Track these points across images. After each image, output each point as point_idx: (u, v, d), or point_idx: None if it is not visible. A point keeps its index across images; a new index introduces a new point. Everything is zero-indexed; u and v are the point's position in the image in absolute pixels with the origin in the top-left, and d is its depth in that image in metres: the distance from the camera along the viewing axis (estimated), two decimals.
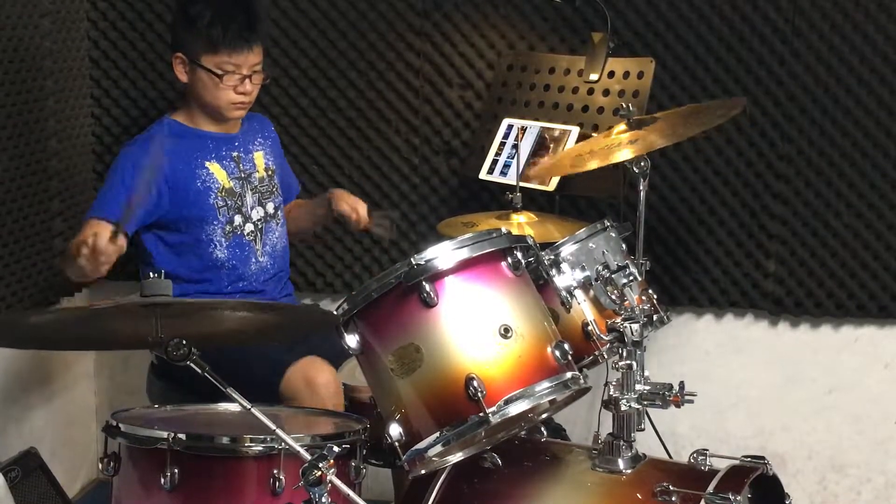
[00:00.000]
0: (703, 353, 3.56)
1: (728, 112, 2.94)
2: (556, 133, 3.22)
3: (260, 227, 3.10)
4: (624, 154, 2.83)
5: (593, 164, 2.86)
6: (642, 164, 2.88)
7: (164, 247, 3.01)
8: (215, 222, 3.01)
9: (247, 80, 2.98)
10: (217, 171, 3.03)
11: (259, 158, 3.14)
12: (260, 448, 2.21)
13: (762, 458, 2.32)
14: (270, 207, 3.13)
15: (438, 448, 2.20)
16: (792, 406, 3.54)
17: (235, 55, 2.94)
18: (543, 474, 2.40)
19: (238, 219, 3.05)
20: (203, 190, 3.00)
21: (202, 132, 3.05)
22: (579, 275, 2.59)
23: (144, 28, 3.59)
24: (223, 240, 3.02)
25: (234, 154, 3.08)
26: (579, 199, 3.43)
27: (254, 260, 3.08)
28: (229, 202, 3.03)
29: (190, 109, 3.06)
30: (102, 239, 2.58)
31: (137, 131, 3.62)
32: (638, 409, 2.36)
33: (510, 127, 3.29)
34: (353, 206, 3.09)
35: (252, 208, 3.08)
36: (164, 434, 2.21)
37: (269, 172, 3.16)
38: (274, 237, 3.14)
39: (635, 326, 2.38)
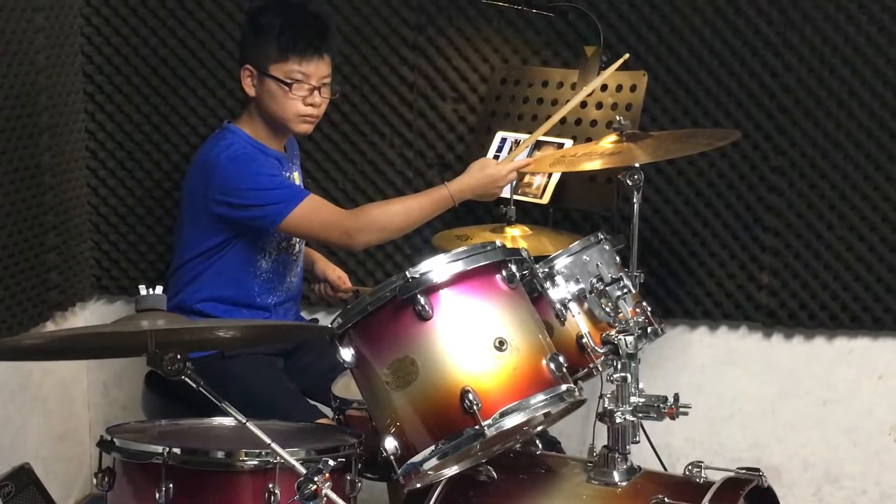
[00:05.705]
0: (697, 365, 3.57)
1: (717, 142, 2.99)
2: (550, 146, 3.23)
3: (301, 247, 3.07)
4: (595, 165, 2.88)
5: (586, 167, 2.92)
6: (636, 176, 2.89)
7: (214, 239, 2.93)
8: (276, 234, 2.95)
9: (315, 92, 2.90)
10: None
11: (297, 179, 3.10)
12: (255, 462, 2.20)
13: (757, 470, 2.32)
14: None
15: (434, 461, 2.20)
16: (786, 418, 3.54)
17: (305, 63, 2.88)
18: (539, 487, 2.40)
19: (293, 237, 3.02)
20: None
21: (267, 149, 2.97)
22: (573, 287, 2.59)
23: (139, 43, 3.59)
24: (273, 252, 2.97)
25: (287, 175, 3.01)
26: (573, 212, 3.44)
27: (289, 279, 3.04)
28: None
29: (254, 125, 2.97)
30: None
31: (132, 146, 3.63)
32: (633, 421, 2.36)
33: (504, 140, 3.30)
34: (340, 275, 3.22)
35: None
36: (159, 448, 2.20)
37: None
38: (304, 260, 3.13)
39: (630, 339, 2.37)
